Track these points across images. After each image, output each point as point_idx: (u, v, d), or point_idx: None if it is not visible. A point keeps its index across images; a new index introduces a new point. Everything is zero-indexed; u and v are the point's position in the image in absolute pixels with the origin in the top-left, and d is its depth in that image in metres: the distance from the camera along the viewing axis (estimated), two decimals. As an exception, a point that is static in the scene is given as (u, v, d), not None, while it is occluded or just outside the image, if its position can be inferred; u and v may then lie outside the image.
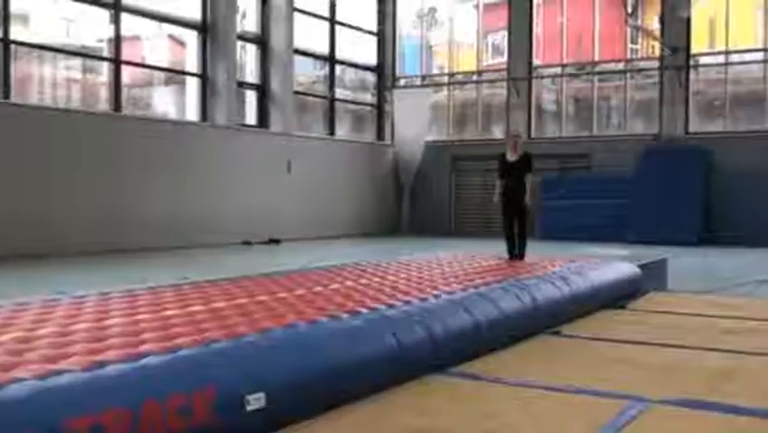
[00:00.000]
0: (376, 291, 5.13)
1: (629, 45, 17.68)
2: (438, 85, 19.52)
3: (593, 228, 15.56)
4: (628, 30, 17.22)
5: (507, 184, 8.21)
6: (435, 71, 19.92)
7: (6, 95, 10.85)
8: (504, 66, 18.36)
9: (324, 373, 3.52)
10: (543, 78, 18.44)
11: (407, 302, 4.66)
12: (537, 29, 18.12)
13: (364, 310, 4.31)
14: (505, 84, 18.12)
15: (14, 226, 10.38)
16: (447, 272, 6.48)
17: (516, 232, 8.34)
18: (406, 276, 6.14)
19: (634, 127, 17.44)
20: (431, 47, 19.97)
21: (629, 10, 16.19)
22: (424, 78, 19.58)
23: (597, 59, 17.71)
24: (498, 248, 8.53)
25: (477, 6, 18.98)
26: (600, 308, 6.51)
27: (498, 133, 18.34)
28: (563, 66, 18.01)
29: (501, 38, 18.64)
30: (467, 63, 19.35)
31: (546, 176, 16.57)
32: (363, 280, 5.77)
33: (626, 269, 7.60)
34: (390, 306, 4.50)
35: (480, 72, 18.99)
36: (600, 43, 17.66)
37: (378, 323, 4.11)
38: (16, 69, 11.39)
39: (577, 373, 4.30)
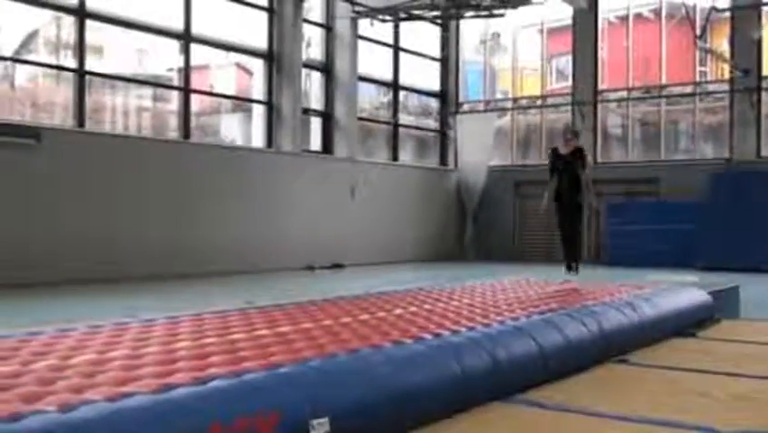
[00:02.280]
0: (440, 317, 5.11)
1: (698, 68, 17.36)
2: (502, 110, 19.46)
3: (661, 254, 15.23)
4: (697, 52, 16.93)
5: (561, 182, 7.80)
6: (499, 96, 19.88)
7: (81, 123, 11.21)
8: (569, 90, 18.22)
9: (387, 398, 3.52)
10: (608, 101, 18.22)
11: (471, 328, 4.63)
12: (603, 52, 17.95)
13: (428, 336, 4.30)
14: (569, 108, 17.96)
15: (85, 251, 10.67)
16: (511, 298, 6.42)
17: (570, 235, 7.97)
18: (469, 302, 6.10)
19: (703, 151, 17.08)
20: (494, 72, 19.95)
21: (698, 32, 15.92)
22: (487, 102, 19.55)
23: (664, 82, 17.43)
24: (563, 275, 8.39)
25: (541, 31, 18.91)
26: (670, 337, 6.36)
27: (562, 157, 18.15)
28: (630, 90, 17.78)
29: (566, 62, 18.51)
30: (531, 88, 19.26)
31: (612, 201, 16.32)
32: (427, 306, 5.75)
33: (696, 296, 7.41)
34: (454, 332, 4.47)
35: (544, 97, 18.87)
36: (668, 66, 17.39)
37: (441, 349, 4.09)
38: (90, 99, 11.77)
39: (645, 403, 4.20)
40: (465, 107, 19.40)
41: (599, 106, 17.91)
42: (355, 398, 3.36)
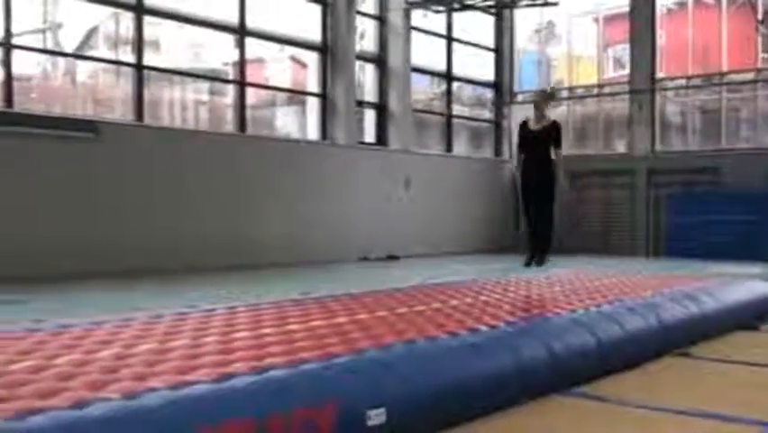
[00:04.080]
0: (495, 309, 5.09)
1: (760, 54, 16.88)
2: (557, 99, 19.20)
3: (723, 246, 14.88)
4: (759, 38, 16.47)
5: (528, 162, 6.76)
6: (554, 86, 19.63)
7: (139, 117, 11.42)
8: (626, 79, 17.90)
9: (443, 390, 3.52)
10: (667, 90, 17.85)
11: (527, 320, 4.60)
12: (660, 40, 17.58)
13: (483, 328, 4.28)
14: (627, 97, 17.65)
15: (146, 242, 10.86)
16: (568, 290, 6.35)
17: (536, 226, 6.94)
18: (525, 293, 6.06)
19: (765, 140, 16.63)
20: (549, 61, 19.72)
21: (760, 18, 15.49)
22: (542, 92, 19.30)
23: (725, 69, 17.01)
24: (621, 266, 8.24)
25: (597, 19, 18.60)
26: (732, 330, 6.22)
27: (620, 147, 17.88)
28: (689, 78, 17.39)
29: (623, 50, 18.19)
30: (587, 77, 18.97)
31: (672, 191, 16.02)
32: (483, 297, 5.73)
33: (759, 288, 7.24)
34: (510, 323, 4.45)
35: (600, 86, 18.58)
36: (729, 53, 16.95)
37: (498, 341, 4.08)
38: (148, 93, 11.97)
39: (707, 397, 4.12)
40: (520, 97, 19.20)
41: (657, 95, 17.56)
42: (412, 389, 3.36)
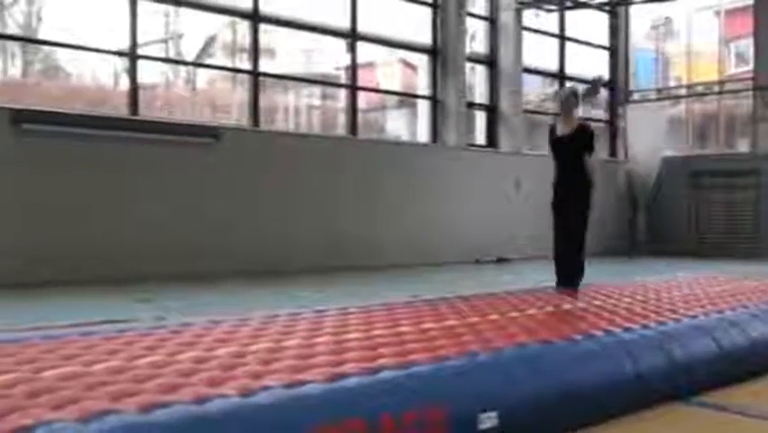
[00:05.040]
0: (611, 314, 4.97)
1: None
2: (675, 98, 18.57)
3: None
4: None
5: (558, 174, 6.02)
6: (672, 84, 18.99)
7: (255, 122, 11.74)
8: (749, 75, 17.12)
9: (557, 395, 3.46)
10: (795, 85, 16.95)
11: (645, 326, 4.46)
12: (788, 33, 16.71)
13: (599, 333, 4.18)
14: (750, 94, 16.87)
15: (258, 243, 11.15)
16: (688, 295, 6.13)
17: (562, 247, 6.02)
18: (642, 298, 5.88)
19: None
20: (667, 59, 19.08)
21: None
22: (659, 90, 18.72)
23: None
24: (744, 270, 7.84)
25: (717, 13, 17.87)
26: None
27: (742, 146, 17.11)
28: (820, 72, 16.46)
29: (746, 45, 17.40)
30: (707, 73, 18.25)
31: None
32: (597, 302, 5.60)
33: None
34: (627, 329, 4.33)
35: (721, 83, 17.84)
36: None
37: (613, 346, 3.98)
38: (264, 99, 12.30)
39: (840, 410, 3.90)
40: (636, 96, 18.66)
41: (784, 91, 16.70)
42: (524, 393, 3.33)
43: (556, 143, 6.12)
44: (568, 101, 6.19)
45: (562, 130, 6.10)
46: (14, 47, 10.61)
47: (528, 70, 16.16)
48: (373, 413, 2.81)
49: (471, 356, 3.48)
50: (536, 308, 5.18)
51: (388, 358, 3.43)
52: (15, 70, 10.94)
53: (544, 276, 7.64)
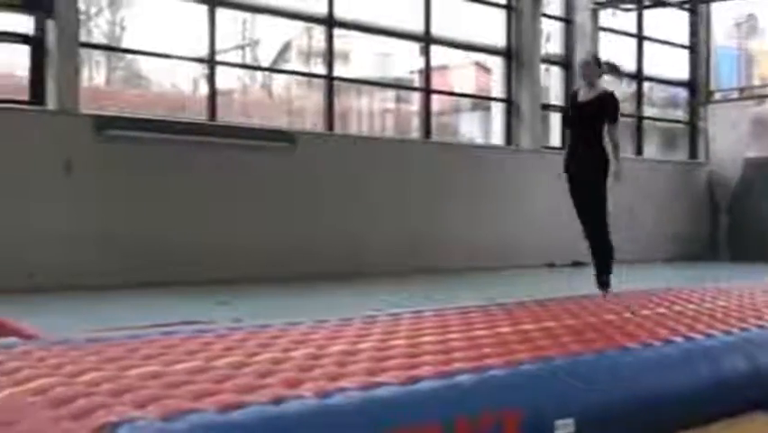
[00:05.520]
0: (691, 319, 4.84)
1: None
2: (759, 97, 17.98)
3: None
4: None
5: (574, 144, 5.48)
6: (756, 82, 18.39)
7: (330, 126, 11.86)
8: (839, 72, 16.48)
9: (635, 402, 3.40)
10: None
11: (728, 332, 4.34)
12: None
13: (679, 339, 4.09)
14: (840, 92, 16.23)
15: (340, 246, 11.23)
16: (773, 301, 5.93)
17: (589, 235, 5.46)
18: (725, 303, 5.72)
19: None
20: (750, 57, 18.50)
21: None
22: (742, 90, 18.15)
23: None
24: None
25: (806, 9, 17.25)
26: None
27: (832, 147, 16.46)
28: None
29: (836, 41, 16.75)
30: (794, 72, 17.64)
31: None
32: (677, 307, 5.47)
33: None
34: (708, 335, 4.22)
35: (810, 81, 17.21)
36: None
37: (694, 352, 3.88)
38: (338, 103, 12.42)
39: None
40: (717, 96, 18.14)
41: None
42: (601, 400, 3.28)
43: (575, 109, 5.62)
44: (589, 66, 5.73)
45: (584, 96, 5.61)
46: (99, 56, 10.98)
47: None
48: (449, 416, 2.81)
49: (548, 361, 3.44)
50: (613, 314, 5.09)
51: (462, 362, 3.42)
52: (100, 78, 11.32)
53: (620, 280, 7.50)
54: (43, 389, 2.93)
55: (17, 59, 9.31)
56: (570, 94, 5.55)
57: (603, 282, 5.66)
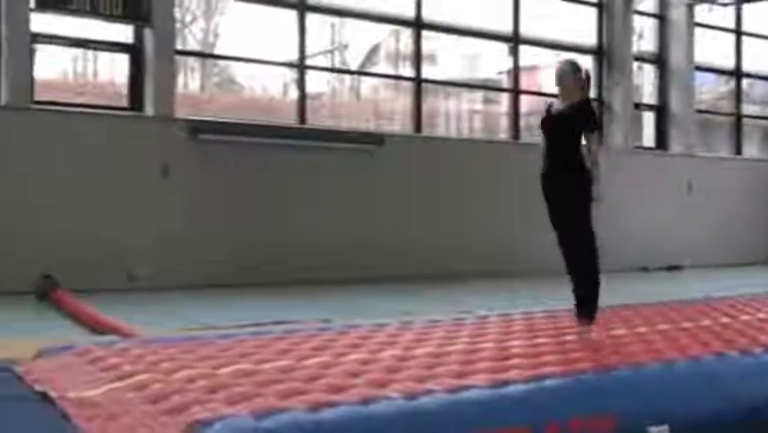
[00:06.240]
0: (794, 326, 4.65)
1: None
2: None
3: None
4: None
5: (547, 158, 4.79)
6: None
7: (418, 128, 11.86)
8: None
9: (733, 410, 3.28)
10: None
11: (833, 339, 4.14)
12: None
13: (780, 346, 3.93)
14: None
15: (430, 248, 11.19)
16: None
17: (567, 254, 4.72)
18: (830, 310, 5.47)
19: None
20: None
21: None
22: None
23: None
24: None
25: None
26: None
27: None
28: None
29: None
30: None
31: None
32: (778, 313, 5.26)
33: None
34: (812, 343, 4.04)
35: None
36: None
37: (797, 361, 3.72)
38: (426, 105, 12.41)
39: None
40: (822, 92, 17.34)
41: None
42: (697, 407, 3.18)
43: (548, 122, 4.83)
44: (563, 72, 4.82)
45: (557, 106, 4.83)
46: (194, 62, 11.29)
47: (701, 68, 15.40)
48: (538, 420, 2.78)
49: (640, 367, 3.36)
50: (710, 319, 4.93)
51: (552, 366, 3.37)
52: (194, 84, 11.63)
53: (719, 285, 7.25)
54: (142, 385, 3.05)
55: (117, 67, 9.65)
56: (545, 108, 4.95)
57: (582, 313, 4.59)
